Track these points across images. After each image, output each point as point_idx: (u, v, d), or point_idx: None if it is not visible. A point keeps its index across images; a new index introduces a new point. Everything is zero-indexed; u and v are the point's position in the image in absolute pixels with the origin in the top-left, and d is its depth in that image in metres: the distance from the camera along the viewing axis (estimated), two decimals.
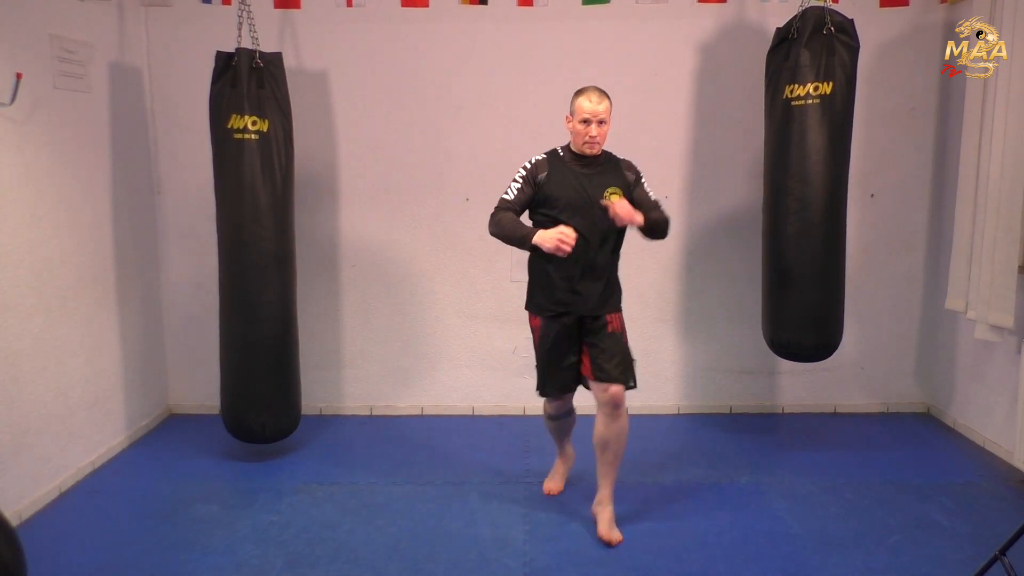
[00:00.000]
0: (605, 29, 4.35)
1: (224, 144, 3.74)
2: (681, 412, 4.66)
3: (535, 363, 3.30)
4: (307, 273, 4.36)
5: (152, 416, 4.46)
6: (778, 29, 3.78)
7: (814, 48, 3.59)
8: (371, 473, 3.83)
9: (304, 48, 4.38)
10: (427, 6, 4.32)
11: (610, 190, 3.10)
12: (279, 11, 4.32)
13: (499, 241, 3.12)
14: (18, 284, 3.33)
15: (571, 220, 3.03)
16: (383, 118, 4.43)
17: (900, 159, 4.46)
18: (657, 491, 3.61)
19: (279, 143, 3.80)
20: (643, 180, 3.22)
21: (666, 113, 4.42)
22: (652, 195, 3.21)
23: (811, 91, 3.59)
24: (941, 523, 3.29)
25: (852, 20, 3.62)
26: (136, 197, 4.29)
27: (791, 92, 3.64)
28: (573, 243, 2.91)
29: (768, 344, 3.94)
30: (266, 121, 3.74)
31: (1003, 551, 2.61)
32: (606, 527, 3.18)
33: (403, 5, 4.32)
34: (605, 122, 3.09)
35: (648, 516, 3.37)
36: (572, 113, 3.12)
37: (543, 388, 3.30)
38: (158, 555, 3.07)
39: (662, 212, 3.16)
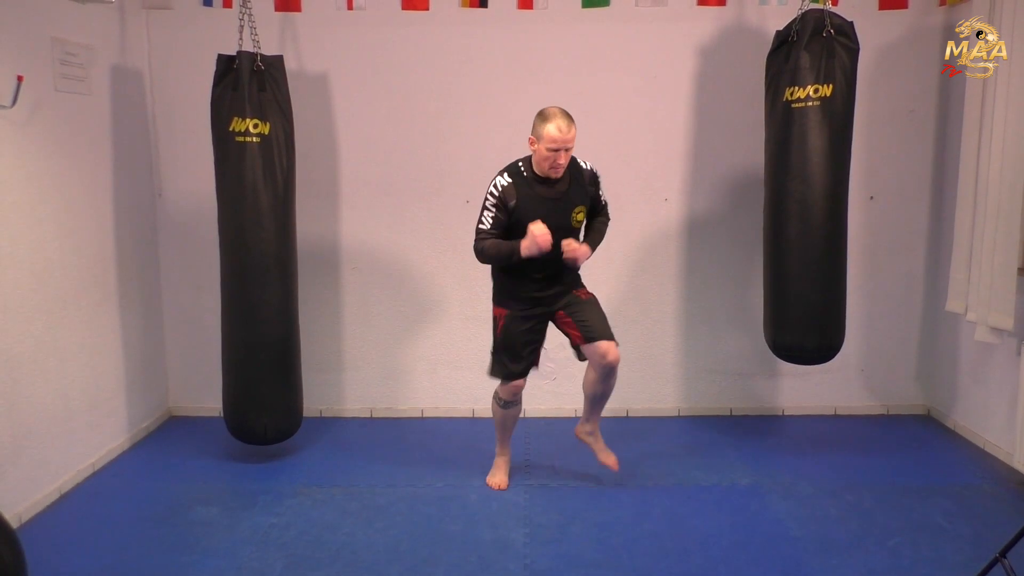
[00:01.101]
0: (605, 32, 4.36)
1: (225, 147, 3.75)
2: (682, 414, 4.66)
3: (492, 348, 3.49)
4: (308, 275, 4.36)
5: (153, 418, 4.47)
6: (778, 32, 3.78)
7: (814, 51, 3.60)
8: (371, 475, 3.83)
9: (305, 51, 4.38)
10: (427, 9, 4.33)
11: (576, 211, 3.31)
12: (280, 14, 4.33)
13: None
14: (19, 286, 3.33)
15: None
16: (384, 120, 4.44)
17: (900, 161, 4.46)
18: (658, 493, 3.61)
19: (280, 145, 3.81)
20: (600, 184, 3.42)
21: (666, 116, 4.43)
22: (604, 198, 3.47)
23: (811, 93, 3.60)
24: (942, 525, 3.29)
25: (852, 23, 3.63)
26: (137, 199, 4.30)
27: (791, 94, 3.64)
28: (549, 237, 3.11)
29: (769, 346, 3.94)
30: (267, 124, 3.75)
31: (1003, 553, 2.61)
32: (606, 454, 3.61)
33: (403, 8, 4.33)
34: (571, 149, 3.19)
35: (648, 518, 3.37)
36: (537, 137, 3.17)
37: (504, 371, 3.44)
38: (158, 557, 3.08)
39: (603, 222, 3.48)
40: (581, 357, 3.49)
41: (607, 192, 3.52)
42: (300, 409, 4.02)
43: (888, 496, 3.55)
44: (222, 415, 3.94)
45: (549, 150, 3.12)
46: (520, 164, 3.29)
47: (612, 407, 4.59)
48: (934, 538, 3.18)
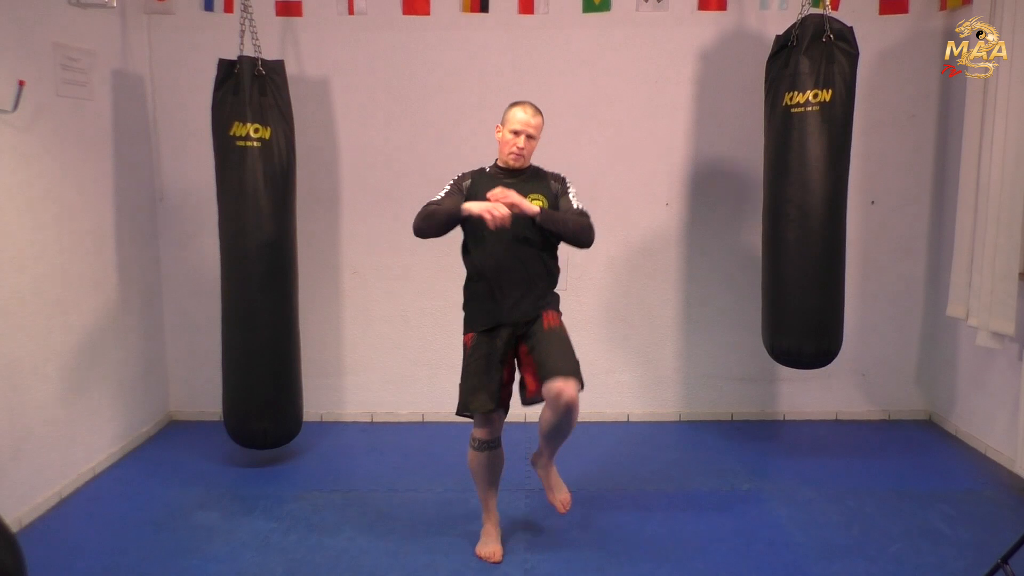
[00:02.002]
0: (605, 36, 4.37)
1: (226, 151, 3.75)
2: (682, 419, 4.66)
3: (459, 383, 3.04)
4: (309, 280, 4.37)
5: (153, 422, 4.46)
6: (778, 36, 3.78)
7: (813, 55, 3.60)
8: (372, 480, 3.83)
9: (306, 56, 4.39)
10: (428, 14, 4.34)
11: (531, 196, 3.00)
12: (281, 19, 4.34)
13: (420, 240, 3.08)
14: (19, 290, 3.34)
15: (497, 239, 2.94)
16: (384, 125, 4.45)
17: (900, 166, 4.46)
18: (658, 498, 3.60)
19: (281, 150, 3.81)
20: (570, 189, 3.13)
21: (666, 120, 4.43)
22: (577, 204, 3.07)
23: (811, 98, 3.60)
24: (943, 531, 3.28)
25: (851, 27, 3.63)
26: (138, 204, 4.31)
27: (791, 99, 3.65)
28: (505, 216, 2.80)
29: (768, 351, 3.94)
30: (268, 128, 3.75)
31: (1005, 559, 2.61)
32: (560, 492, 3.16)
33: (404, 13, 4.34)
34: (534, 138, 3.06)
35: (649, 523, 3.36)
36: (503, 123, 3.08)
37: (467, 403, 2.99)
38: (158, 562, 3.07)
39: (582, 219, 3.00)
40: (525, 402, 3.08)
41: (582, 200, 3.16)
42: (300, 413, 4.01)
43: (889, 501, 3.55)
44: (222, 419, 3.94)
45: (511, 132, 3.03)
46: (486, 167, 3.19)
47: (612, 412, 4.61)
48: (935, 544, 3.17)
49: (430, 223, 2.99)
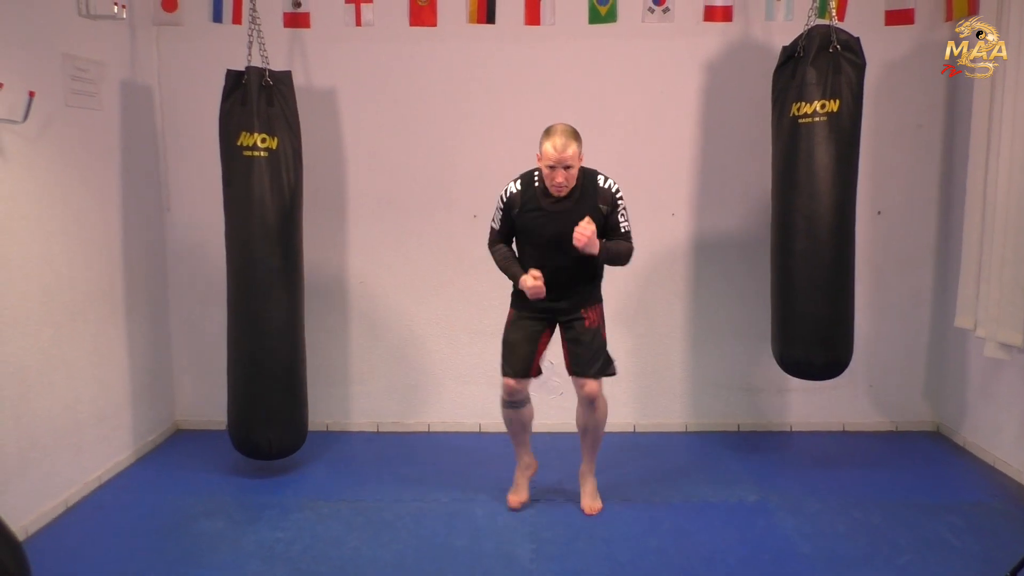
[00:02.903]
0: (611, 47, 4.38)
1: (233, 161, 3.77)
2: (689, 429, 4.64)
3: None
4: (315, 289, 4.37)
5: (159, 431, 4.47)
6: (784, 47, 3.79)
7: (820, 66, 3.60)
8: (377, 490, 3.82)
9: (313, 66, 4.42)
10: (435, 25, 4.36)
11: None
12: (289, 30, 4.37)
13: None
14: (27, 299, 3.35)
15: (542, 254, 3.30)
16: (391, 135, 4.46)
17: (908, 176, 4.46)
18: (665, 509, 3.59)
19: (288, 160, 3.83)
20: (619, 206, 3.27)
21: (673, 131, 4.44)
22: (625, 224, 3.32)
23: (818, 109, 3.60)
24: (951, 543, 3.26)
25: (858, 38, 3.64)
26: (145, 213, 4.32)
27: (798, 110, 3.65)
28: (543, 286, 3.21)
29: (777, 362, 3.93)
30: (275, 138, 3.77)
31: (1014, 572, 2.60)
32: (588, 499, 3.55)
33: (411, 24, 4.36)
34: (572, 167, 3.12)
35: (655, 534, 3.35)
36: (540, 154, 3.16)
37: (502, 367, 3.47)
38: (164, 571, 3.07)
39: (626, 243, 3.32)
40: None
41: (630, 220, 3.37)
42: (306, 423, 4.01)
43: (897, 513, 3.52)
44: (228, 429, 3.94)
45: (547, 167, 3.12)
46: (536, 173, 3.29)
47: (619, 422, 4.60)
48: (943, 556, 3.15)
49: (498, 267, 3.45)
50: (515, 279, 3.32)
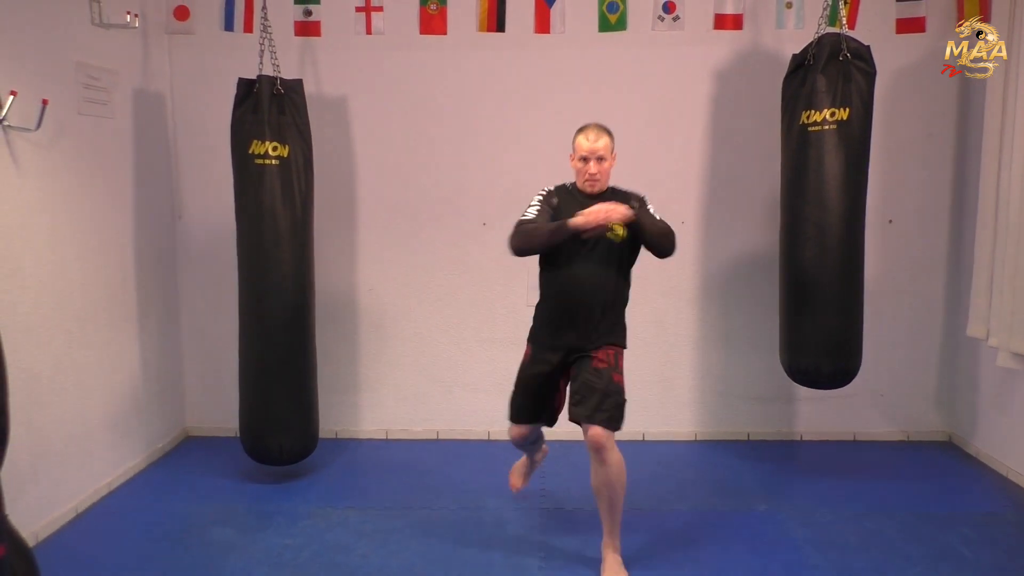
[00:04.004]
0: (621, 56, 4.38)
1: (245, 169, 3.79)
2: (698, 438, 4.63)
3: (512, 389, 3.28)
4: (325, 297, 4.38)
5: (169, 438, 4.48)
6: (794, 55, 3.79)
7: (830, 74, 3.60)
8: (386, 497, 3.82)
9: (324, 75, 4.44)
10: (445, 34, 4.37)
11: (616, 228, 2.98)
12: (300, 39, 4.39)
13: (519, 259, 3.15)
14: (40, 306, 3.37)
15: (576, 259, 3.01)
16: (401, 144, 4.48)
17: (918, 185, 4.44)
18: (673, 519, 3.58)
19: (299, 168, 3.85)
20: (650, 207, 3.13)
21: (682, 139, 4.44)
22: (657, 216, 3.09)
23: (828, 117, 3.60)
24: (964, 554, 3.23)
25: (868, 46, 3.63)
26: (157, 221, 4.35)
27: (808, 118, 3.64)
28: (602, 215, 2.84)
29: (786, 371, 3.91)
30: (287, 147, 3.79)
31: None
32: (608, 573, 3.04)
33: (422, 32, 4.38)
34: (605, 159, 3.05)
35: (664, 544, 3.33)
36: (573, 150, 3.11)
37: (510, 414, 3.29)
38: None
39: (667, 225, 3.05)
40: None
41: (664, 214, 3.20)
42: (316, 430, 4.02)
43: (909, 524, 3.50)
44: (238, 435, 3.95)
45: (580, 159, 3.07)
46: (567, 183, 3.22)
47: (627, 430, 4.56)
48: (956, 567, 3.12)
49: (532, 241, 3.01)
50: (562, 227, 2.90)
